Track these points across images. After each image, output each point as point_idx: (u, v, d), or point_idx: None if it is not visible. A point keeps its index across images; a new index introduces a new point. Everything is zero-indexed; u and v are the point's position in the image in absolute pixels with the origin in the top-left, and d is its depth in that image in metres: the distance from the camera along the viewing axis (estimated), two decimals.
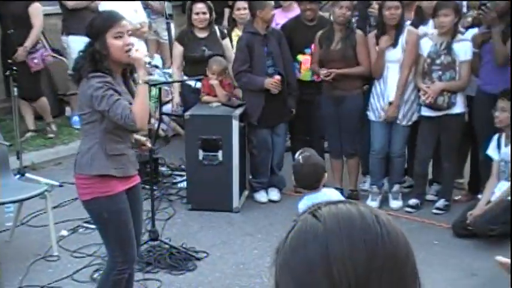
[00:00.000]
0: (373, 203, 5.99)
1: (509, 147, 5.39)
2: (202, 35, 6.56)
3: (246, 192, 6.40)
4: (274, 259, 0.93)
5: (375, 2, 6.39)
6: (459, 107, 5.80)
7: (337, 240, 0.87)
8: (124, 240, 3.62)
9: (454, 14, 5.69)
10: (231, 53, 6.50)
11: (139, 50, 3.53)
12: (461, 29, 6.01)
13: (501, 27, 5.55)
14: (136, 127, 3.49)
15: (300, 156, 3.96)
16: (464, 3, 6.54)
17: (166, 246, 5.07)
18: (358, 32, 6.07)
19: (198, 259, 5.03)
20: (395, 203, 6.08)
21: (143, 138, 3.97)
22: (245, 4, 6.83)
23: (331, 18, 6.15)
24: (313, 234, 0.89)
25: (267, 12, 6.06)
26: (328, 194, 3.93)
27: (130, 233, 3.63)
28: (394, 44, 5.83)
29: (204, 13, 6.50)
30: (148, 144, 4.03)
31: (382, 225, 0.89)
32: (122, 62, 3.51)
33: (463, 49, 5.74)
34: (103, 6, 7.10)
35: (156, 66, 4.80)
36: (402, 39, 5.84)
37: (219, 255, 5.12)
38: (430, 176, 6.34)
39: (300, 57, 6.35)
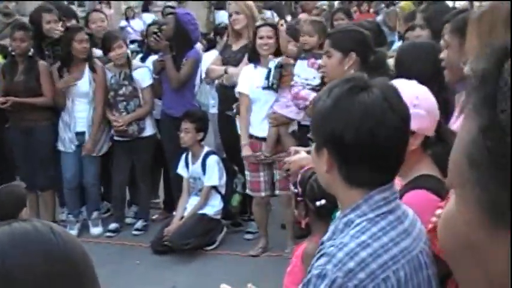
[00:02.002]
0: (71, 233, 5.94)
1: (196, 164, 5.84)
2: None
3: None
4: None
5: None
6: (149, 131, 6.10)
7: (14, 254, 0.94)
8: None
9: (125, 45, 6.03)
10: None
11: None
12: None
13: (173, 55, 5.92)
14: None
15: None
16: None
17: None
18: (41, 62, 5.99)
19: None
20: (95, 230, 6.13)
21: None
22: None
23: None
24: None
25: None
26: None
27: None
28: (80, 78, 5.91)
29: None
30: None
31: (58, 235, 0.99)
32: None
33: (142, 76, 6.04)
34: None
35: None
36: (89, 73, 5.93)
37: None
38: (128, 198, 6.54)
39: None
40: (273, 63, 5.23)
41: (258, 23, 5.63)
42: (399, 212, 1.66)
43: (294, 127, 5.34)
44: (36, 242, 0.96)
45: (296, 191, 4.12)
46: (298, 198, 3.56)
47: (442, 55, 2.66)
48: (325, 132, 1.65)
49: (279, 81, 5.17)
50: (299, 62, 5.14)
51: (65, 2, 7.96)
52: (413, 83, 2.22)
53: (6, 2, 8.17)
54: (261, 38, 5.32)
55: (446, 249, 0.68)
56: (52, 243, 0.97)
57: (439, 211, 1.77)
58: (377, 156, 1.61)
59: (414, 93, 2.12)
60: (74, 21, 6.83)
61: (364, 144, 1.59)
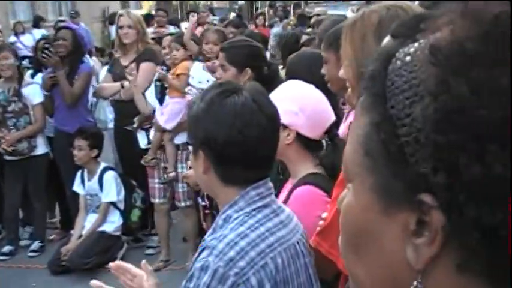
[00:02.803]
0: None
1: (92, 181, 5.74)
2: None
3: None
4: None
5: None
6: (41, 149, 5.94)
7: None
8: None
9: (13, 57, 5.86)
10: None
11: None
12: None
13: (66, 70, 5.78)
14: None
15: None
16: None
17: None
18: None
19: None
20: None
21: None
22: None
23: None
24: None
25: None
26: None
27: None
28: None
29: None
30: None
31: None
32: None
33: (33, 92, 5.87)
34: None
35: None
36: None
37: None
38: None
39: None
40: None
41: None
42: (274, 206, 1.77)
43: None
44: None
45: (204, 203, 4.12)
46: (206, 211, 3.55)
47: (323, 70, 2.76)
48: (200, 135, 1.73)
49: (162, 95, 5.21)
50: (196, 63, 5.23)
51: None
52: (301, 84, 2.35)
53: None
54: (163, 48, 5.42)
55: (347, 237, 0.72)
56: None
57: (325, 214, 1.86)
58: (249, 154, 1.70)
59: (291, 92, 2.28)
60: None
61: (236, 144, 1.68)
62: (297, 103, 2.22)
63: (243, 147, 1.69)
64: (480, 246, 0.59)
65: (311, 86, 2.36)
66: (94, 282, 1.92)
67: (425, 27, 0.65)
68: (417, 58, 0.63)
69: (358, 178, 0.68)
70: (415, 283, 0.64)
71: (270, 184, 1.79)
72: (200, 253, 1.66)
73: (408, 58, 0.64)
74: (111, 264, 1.96)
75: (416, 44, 0.65)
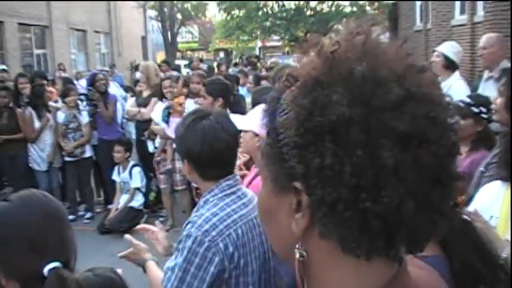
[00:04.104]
0: None
1: (125, 173, 5.68)
2: None
3: None
4: None
5: None
6: (88, 153, 5.90)
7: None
8: None
9: (76, 94, 5.83)
10: None
11: None
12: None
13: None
14: None
15: None
16: None
17: None
18: (18, 110, 5.70)
19: None
20: None
21: None
22: None
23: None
24: None
25: None
26: None
27: None
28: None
29: None
30: None
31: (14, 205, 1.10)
32: None
33: (84, 116, 5.83)
34: None
35: None
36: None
37: None
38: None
39: None
40: (162, 106, 5.18)
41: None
42: (239, 193, 1.67)
43: None
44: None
45: (196, 185, 4.05)
46: (198, 191, 3.53)
47: None
48: (183, 149, 1.66)
49: (168, 117, 5.07)
50: (188, 100, 5.17)
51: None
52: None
53: None
54: (165, 88, 5.32)
55: (260, 214, 0.67)
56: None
57: None
58: (217, 160, 1.62)
59: (259, 112, 2.30)
60: (44, 81, 6.75)
61: (207, 154, 1.60)
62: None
63: (212, 156, 1.59)
64: (328, 218, 0.56)
65: None
66: (127, 236, 1.90)
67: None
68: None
69: (261, 172, 0.65)
70: (297, 246, 0.61)
71: (238, 177, 1.70)
72: (186, 225, 1.59)
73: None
74: (138, 227, 1.96)
75: None
